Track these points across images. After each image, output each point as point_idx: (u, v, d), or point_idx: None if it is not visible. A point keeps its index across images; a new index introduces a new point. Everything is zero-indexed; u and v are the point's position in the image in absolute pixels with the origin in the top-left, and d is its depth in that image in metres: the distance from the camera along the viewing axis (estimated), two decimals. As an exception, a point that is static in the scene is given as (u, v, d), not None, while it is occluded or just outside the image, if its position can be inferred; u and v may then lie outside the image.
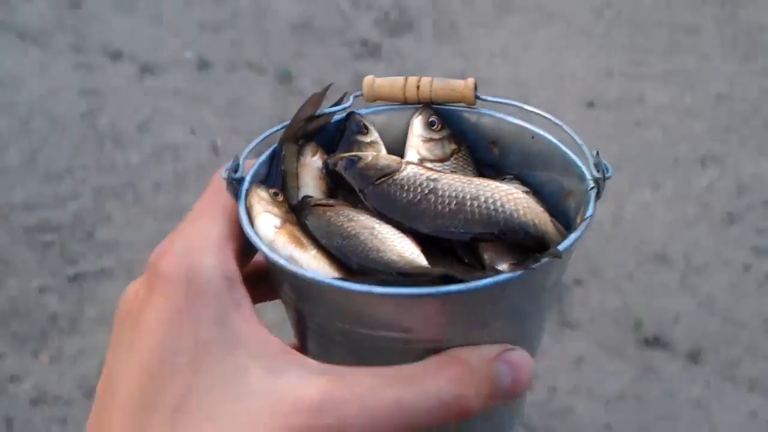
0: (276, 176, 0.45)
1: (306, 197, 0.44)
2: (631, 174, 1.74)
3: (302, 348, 0.43)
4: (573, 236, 0.38)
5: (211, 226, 0.39)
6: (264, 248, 0.39)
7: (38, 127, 1.89)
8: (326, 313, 0.40)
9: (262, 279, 0.42)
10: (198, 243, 0.38)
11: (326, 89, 0.48)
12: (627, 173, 1.74)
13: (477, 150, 0.48)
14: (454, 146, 0.47)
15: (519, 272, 0.36)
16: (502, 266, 0.39)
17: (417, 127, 0.46)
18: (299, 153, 0.46)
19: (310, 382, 0.34)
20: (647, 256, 1.61)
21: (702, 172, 1.76)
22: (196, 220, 0.40)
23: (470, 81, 0.46)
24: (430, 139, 0.45)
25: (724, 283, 1.56)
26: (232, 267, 0.38)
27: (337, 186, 0.45)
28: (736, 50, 2.10)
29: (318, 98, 0.48)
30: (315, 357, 0.37)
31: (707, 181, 1.76)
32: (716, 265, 1.58)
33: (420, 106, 0.48)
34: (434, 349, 0.37)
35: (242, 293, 0.37)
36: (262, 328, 0.37)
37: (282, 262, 0.38)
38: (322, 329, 0.41)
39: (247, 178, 0.43)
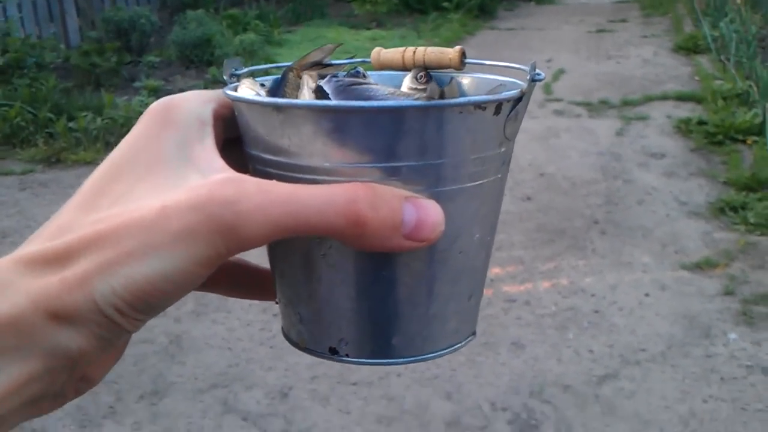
0: (274, 95, 0.47)
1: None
2: None
3: None
4: (478, 98, 0.40)
5: (203, 92, 0.44)
6: (227, 89, 0.44)
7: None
8: (254, 142, 0.42)
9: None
10: (186, 95, 0.43)
11: (337, 45, 0.53)
12: None
13: None
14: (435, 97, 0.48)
15: (418, 101, 0.39)
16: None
17: (406, 80, 0.49)
18: (299, 85, 0.48)
19: (227, 172, 0.38)
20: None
21: None
22: (193, 90, 0.45)
23: (459, 48, 0.48)
24: (416, 89, 0.47)
25: None
26: (208, 114, 0.42)
27: None
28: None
29: (329, 49, 0.51)
30: None
31: None
32: None
33: (415, 67, 0.50)
34: None
35: (209, 133, 0.41)
36: (218, 157, 0.40)
37: (228, 91, 0.43)
38: (257, 168, 0.43)
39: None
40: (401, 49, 0.50)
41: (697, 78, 6.85)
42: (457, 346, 0.46)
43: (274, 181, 0.37)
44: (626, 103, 6.10)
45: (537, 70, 0.43)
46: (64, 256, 0.35)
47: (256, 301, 3.18)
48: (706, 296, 3.23)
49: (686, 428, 2.45)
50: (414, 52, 0.49)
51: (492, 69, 0.51)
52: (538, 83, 0.43)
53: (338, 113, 0.39)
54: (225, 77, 0.47)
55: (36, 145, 5.31)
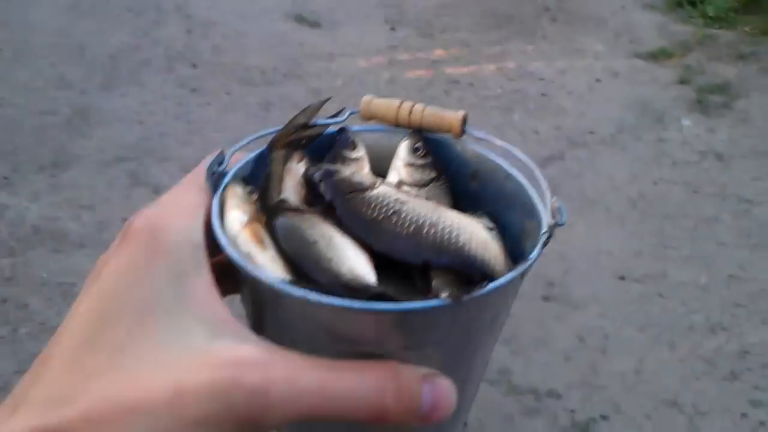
0: (260, 177, 0.46)
1: (282, 200, 0.45)
2: (652, 335, 1.98)
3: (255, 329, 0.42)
4: (504, 279, 0.38)
5: (187, 196, 0.41)
6: (223, 240, 0.39)
7: None
8: (260, 322, 0.40)
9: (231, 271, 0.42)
10: (171, 207, 0.39)
11: (323, 102, 0.50)
12: (649, 335, 1.98)
13: (458, 180, 0.49)
14: (434, 174, 0.48)
15: (448, 301, 0.36)
16: (445, 294, 0.37)
17: (402, 150, 0.47)
18: (286, 158, 0.46)
19: (246, 346, 0.35)
20: (662, 401, 1.81)
21: (712, 338, 1.96)
22: (176, 192, 0.41)
23: (460, 113, 0.46)
24: (412, 165, 0.46)
25: (724, 427, 1.77)
26: (199, 233, 0.39)
27: (315, 195, 0.44)
28: (749, 240, 2.26)
29: (314, 109, 0.48)
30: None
31: (715, 345, 1.94)
32: (718, 412, 1.79)
33: (410, 131, 0.48)
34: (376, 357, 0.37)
35: (203, 259, 0.38)
36: (216, 295, 0.37)
37: (230, 252, 0.39)
38: (273, 321, 0.40)
39: (229, 174, 0.44)
40: (395, 102, 0.48)
41: None
42: None
43: (300, 364, 0.35)
44: None
45: (561, 209, 0.43)
46: None
47: (172, 75, 3.02)
48: (660, 84, 3.11)
49: (634, 209, 2.37)
50: (410, 111, 0.47)
51: (496, 148, 0.48)
52: None
53: (366, 314, 0.36)
54: (206, 180, 0.42)
55: None
